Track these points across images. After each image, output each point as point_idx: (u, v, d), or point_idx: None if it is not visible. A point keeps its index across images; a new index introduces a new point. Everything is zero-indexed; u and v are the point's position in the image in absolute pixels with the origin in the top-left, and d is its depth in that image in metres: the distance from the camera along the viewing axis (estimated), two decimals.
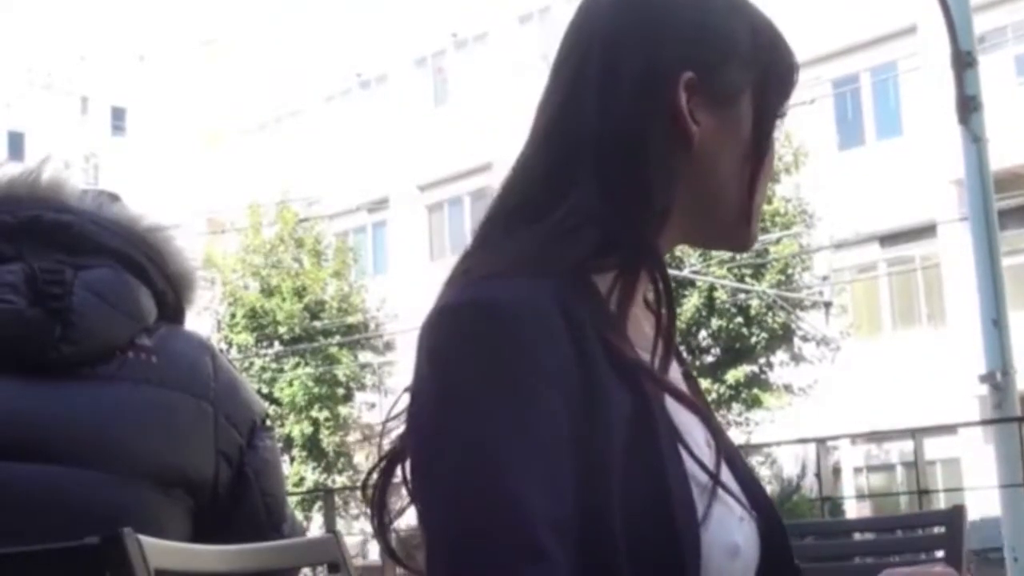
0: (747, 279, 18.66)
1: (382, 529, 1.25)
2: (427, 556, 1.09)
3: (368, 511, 1.26)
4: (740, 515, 1.21)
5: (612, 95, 1.22)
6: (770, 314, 18.57)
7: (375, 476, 1.26)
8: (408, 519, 1.23)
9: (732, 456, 1.27)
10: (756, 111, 1.26)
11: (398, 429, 1.23)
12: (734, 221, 1.28)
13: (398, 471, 1.23)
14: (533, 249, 1.18)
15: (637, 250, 1.22)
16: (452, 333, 1.14)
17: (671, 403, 1.19)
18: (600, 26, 1.27)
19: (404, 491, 1.21)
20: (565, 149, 1.23)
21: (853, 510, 18.98)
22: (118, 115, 42.59)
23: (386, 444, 1.25)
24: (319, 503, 19.01)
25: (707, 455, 1.19)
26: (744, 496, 1.24)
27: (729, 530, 1.17)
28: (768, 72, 1.28)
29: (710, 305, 18.44)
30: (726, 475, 1.21)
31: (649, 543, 1.09)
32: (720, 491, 1.17)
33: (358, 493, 1.28)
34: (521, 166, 1.27)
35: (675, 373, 1.28)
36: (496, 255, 1.19)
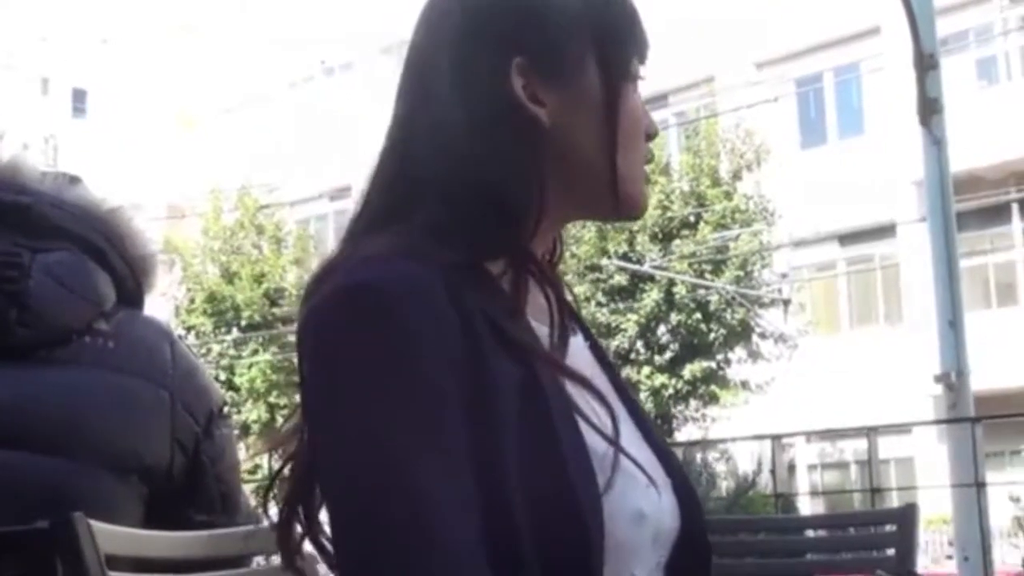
0: (706, 275, 18.70)
1: (289, 536, 1.22)
2: (335, 553, 1.08)
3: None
4: (645, 483, 1.19)
5: (455, 100, 1.21)
6: (729, 310, 18.60)
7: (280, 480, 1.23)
8: None
9: (646, 426, 1.27)
10: (603, 73, 1.25)
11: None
12: (609, 188, 1.26)
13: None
14: (413, 241, 1.16)
15: (513, 253, 1.21)
16: (337, 318, 1.11)
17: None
18: (432, 36, 1.26)
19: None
20: (423, 164, 1.21)
21: (807, 507, 19.07)
22: (79, 97, 42.19)
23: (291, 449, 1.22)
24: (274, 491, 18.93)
25: (607, 425, 1.17)
26: (660, 465, 1.24)
27: (632, 497, 1.16)
28: (605, 31, 1.26)
29: (669, 300, 18.45)
30: (634, 445, 1.20)
31: (550, 516, 1.08)
32: (622, 460, 1.16)
33: None
34: (381, 175, 1.26)
35: (580, 346, 1.28)
36: (375, 244, 1.17)
